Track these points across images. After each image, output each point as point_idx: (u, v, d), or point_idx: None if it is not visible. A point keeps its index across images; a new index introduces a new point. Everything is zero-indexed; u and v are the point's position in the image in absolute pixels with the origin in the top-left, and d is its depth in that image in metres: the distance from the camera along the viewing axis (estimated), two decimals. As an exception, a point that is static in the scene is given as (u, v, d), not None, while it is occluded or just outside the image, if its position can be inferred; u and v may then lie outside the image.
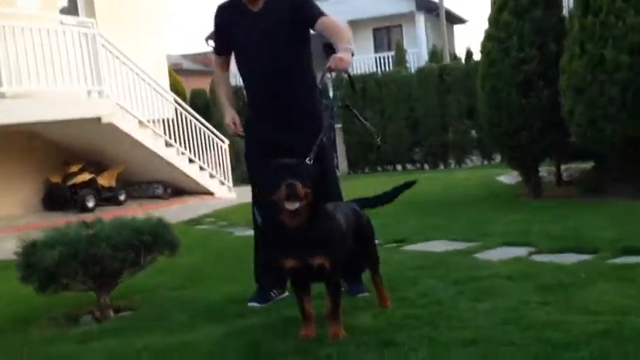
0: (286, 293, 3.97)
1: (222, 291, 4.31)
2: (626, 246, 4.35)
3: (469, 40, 29.21)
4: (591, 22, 7.11)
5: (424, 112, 17.32)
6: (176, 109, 11.66)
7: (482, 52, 8.63)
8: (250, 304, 3.82)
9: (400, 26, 28.07)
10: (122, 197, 11.17)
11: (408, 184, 3.44)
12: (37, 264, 3.74)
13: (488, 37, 8.45)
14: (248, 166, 4.05)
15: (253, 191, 4.05)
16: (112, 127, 9.99)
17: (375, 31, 28.75)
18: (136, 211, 10.61)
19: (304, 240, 2.88)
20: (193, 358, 2.90)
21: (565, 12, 8.50)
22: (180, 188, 12.25)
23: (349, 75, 3.81)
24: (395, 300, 3.48)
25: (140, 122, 10.53)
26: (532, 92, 8.05)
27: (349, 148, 18.35)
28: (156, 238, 4.11)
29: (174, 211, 10.41)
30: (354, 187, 12.70)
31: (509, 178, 11.12)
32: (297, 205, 2.76)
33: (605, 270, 3.85)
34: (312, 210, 2.87)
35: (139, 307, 4.14)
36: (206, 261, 5.64)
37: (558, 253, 4.54)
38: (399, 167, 18.10)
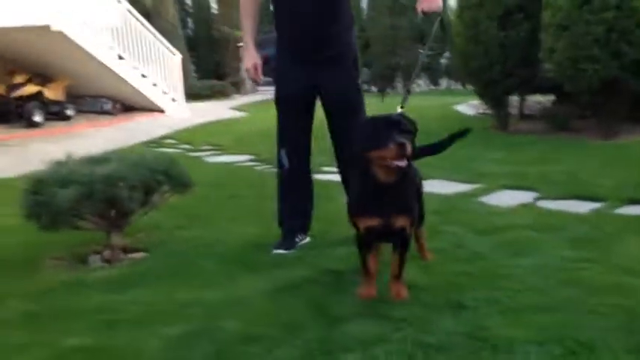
0: (308, 238, 3.87)
1: (237, 233, 4.14)
2: (631, 197, 4.46)
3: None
4: (580, -44, 6.99)
5: (375, 33, 17.01)
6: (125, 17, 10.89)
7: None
8: (276, 250, 3.69)
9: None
10: (70, 112, 10.54)
11: (463, 133, 3.29)
12: (49, 203, 3.44)
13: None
14: (278, 107, 3.82)
15: (280, 132, 3.84)
16: (61, 36, 9.25)
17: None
18: (86, 127, 10.06)
19: (390, 198, 2.75)
20: (253, 316, 2.75)
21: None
22: (129, 104, 11.66)
23: (441, 18, 3.54)
24: (432, 251, 3.44)
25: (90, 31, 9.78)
26: (511, 26, 7.99)
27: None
28: (169, 178, 3.86)
29: (128, 131, 9.95)
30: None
31: (467, 108, 11.21)
32: (405, 164, 2.62)
33: (624, 223, 3.92)
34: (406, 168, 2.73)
35: (151, 248, 3.92)
36: (196, 196, 5.38)
37: (563, 200, 4.62)
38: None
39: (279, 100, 3.81)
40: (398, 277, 2.88)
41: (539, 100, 10.25)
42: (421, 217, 3.31)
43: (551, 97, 9.78)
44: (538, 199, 4.70)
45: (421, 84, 17.57)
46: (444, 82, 17.06)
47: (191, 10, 21.73)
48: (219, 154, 8.04)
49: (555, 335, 2.40)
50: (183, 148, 8.68)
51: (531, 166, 5.70)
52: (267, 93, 18.96)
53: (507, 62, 8.03)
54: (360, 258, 2.95)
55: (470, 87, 16.52)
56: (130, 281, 3.33)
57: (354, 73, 3.72)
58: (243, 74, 18.76)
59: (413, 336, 2.45)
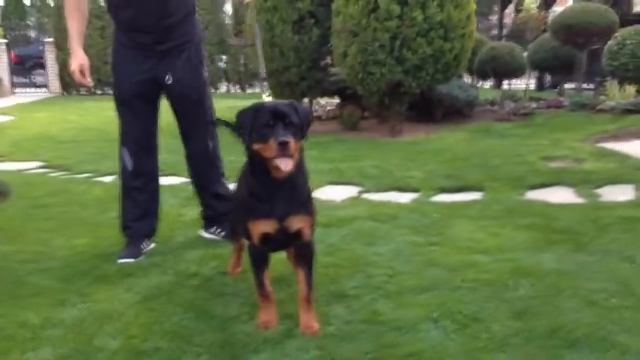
0: (153, 244, 3.62)
1: (62, 246, 3.72)
2: (441, 186, 4.92)
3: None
4: (368, -31, 7.52)
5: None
6: None
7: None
8: (122, 260, 3.38)
9: None
10: None
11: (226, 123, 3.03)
12: None
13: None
14: (118, 102, 3.49)
15: (122, 129, 3.53)
16: None
17: None
18: None
19: (283, 197, 2.42)
20: (133, 330, 2.48)
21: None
22: None
23: None
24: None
25: None
26: (304, 31, 8.31)
27: (63, 66, 16.59)
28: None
29: None
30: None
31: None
32: (290, 163, 2.31)
33: (447, 209, 4.31)
34: (298, 161, 2.44)
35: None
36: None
37: (384, 192, 4.94)
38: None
39: (119, 96, 3.49)
40: (308, 301, 2.45)
41: (325, 102, 10.85)
42: None
43: (336, 100, 10.36)
44: (362, 192, 4.96)
45: (229, 87, 17.40)
46: (222, 87, 17.09)
47: None
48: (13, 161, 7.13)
49: (444, 312, 2.56)
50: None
51: (344, 163, 5.99)
52: (28, 95, 17.30)
53: (302, 65, 8.34)
54: (254, 278, 2.52)
55: (250, 90, 16.97)
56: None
57: (196, 62, 3.52)
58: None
59: (313, 329, 2.43)
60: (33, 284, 3.08)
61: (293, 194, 2.44)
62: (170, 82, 3.45)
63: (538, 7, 13.26)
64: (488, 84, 14.72)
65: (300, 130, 2.38)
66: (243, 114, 2.45)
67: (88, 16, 3.47)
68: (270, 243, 2.48)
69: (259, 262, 2.51)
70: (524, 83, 11.31)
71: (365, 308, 2.63)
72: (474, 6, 7.94)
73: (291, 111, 2.36)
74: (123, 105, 3.49)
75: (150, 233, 3.60)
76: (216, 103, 3.77)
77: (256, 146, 2.35)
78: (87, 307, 2.75)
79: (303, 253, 2.50)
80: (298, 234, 2.45)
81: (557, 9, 12.32)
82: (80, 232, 3.99)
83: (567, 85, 11.28)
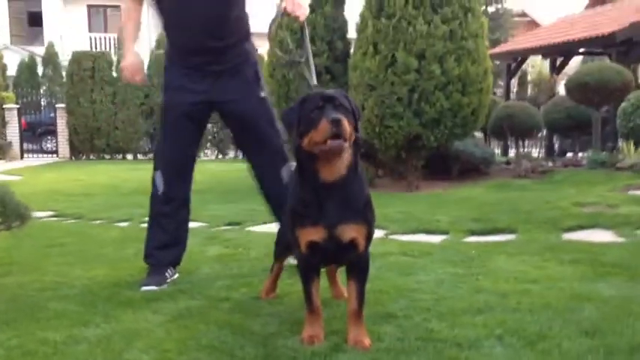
0: (177, 274, 3.40)
1: (80, 276, 3.51)
2: (470, 229, 4.73)
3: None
4: (385, 24, 7.59)
5: (160, 101, 16.62)
6: None
7: (272, 39, 8.58)
8: (145, 287, 3.16)
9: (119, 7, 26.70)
10: None
11: None
12: None
13: (280, 25, 8.45)
14: (164, 122, 3.37)
15: (159, 152, 3.39)
16: None
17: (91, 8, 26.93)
18: None
19: (335, 203, 2.19)
20: (166, 346, 2.25)
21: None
22: None
23: (302, 27, 3.08)
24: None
25: None
26: (320, 86, 8.31)
27: (73, 131, 16.69)
28: (4, 207, 3.16)
29: None
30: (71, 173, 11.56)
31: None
32: (343, 145, 2.08)
33: (482, 247, 4.11)
34: (353, 161, 2.22)
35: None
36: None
37: (412, 234, 4.74)
38: (129, 156, 17.05)
39: (166, 115, 3.35)
40: (358, 315, 2.25)
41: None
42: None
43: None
44: (389, 234, 4.75)
45: (207, 153, 17.39)
46: (231, 152, 17.12)
47: None
48: None
49: (506, 330, 2.33)
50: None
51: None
52: (38, 159, 17.31)
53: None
54: (303, 289, 2.31)
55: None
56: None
57: (253, 82, 3.32)
58: (9, 138, 16.97)
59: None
60: (52, 309, 2.85)
61: (346, 200, 2.22)
62: (226, 105, 3.31)
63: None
64: (497, 151, 14.71)
65: (353, 115, 2.20)
66: (287, 111, 2.31)
67: (140, 24, 3.46)
68: (320, 254, 2.26)
69: (309, 273, 2.31)
70: (534, 151, 11.31)
71: (417, 327, 2.41)
72: (490, 62, 7.97)
73: (341, 96, 2.21)
74: (168, 124, 3.34)
75: (175, 262, 3.39)
76: (227, 165, 3.64)
77: (305, 138, 2.14)
78: (111, 327, 2.53)
79: (356, 266, 2.30)
80: (352, 245, 2.23)
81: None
82: (98, 266, 3.79)
83: (580, 154, 11.22)
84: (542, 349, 2.15)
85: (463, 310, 2.61)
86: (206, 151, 17.29)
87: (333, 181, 2.19)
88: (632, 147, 8.40)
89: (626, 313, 2.51)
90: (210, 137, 17.10)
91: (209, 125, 16.80)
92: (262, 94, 3.36)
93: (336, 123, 2.05)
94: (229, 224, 5.36)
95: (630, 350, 2.11)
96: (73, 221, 6.08)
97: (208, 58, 3.22)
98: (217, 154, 17.30)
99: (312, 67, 2.96)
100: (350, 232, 2.21)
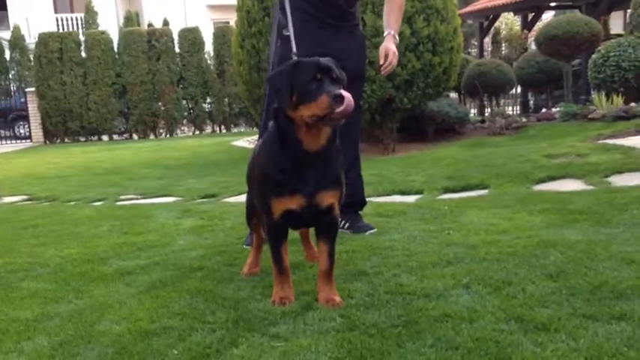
0: None
1: (54, 256, 3.46)
2: (445, 186, 4.78)
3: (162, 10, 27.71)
4: None
5: (133, 79, 16.42)
6: None
7: (239, 9, 8.47)
8: (247, 246, 3.19)
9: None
10: None
11: None
12: None
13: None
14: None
15: (266, 104, 3.36)
16: None
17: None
18: None
19: (316, 171, 2.19)
20: (138, 315, 2.25)
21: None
22: None
23: None
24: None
25: None
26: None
27: (45, 115, 16.46)
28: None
29: None
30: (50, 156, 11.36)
31: (244, 142, 11.31)
32: (348, 115, 2.04)
33: (455, 203, 4.15)
34: (333, 130, 2.20)
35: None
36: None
37: (387, 196, 4.78)
38: (104, 137, 16.88)
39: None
40: (329, 274, 2.28)
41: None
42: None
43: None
44: (368, 196, 4.76)
45: (185, 129, 17.28)
46: (208, 128, 17.03)
47: None
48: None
49: (473, 279, 2.37)
50: None
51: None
52: (10, 145, 17.07)
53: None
54: (272, 252, 2.32)
55: (235, 130, 16.92)
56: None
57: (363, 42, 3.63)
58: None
59: (333, 302, 2.23)
60: (25, 288, 2.84)
61: (325, 168, 2.22)
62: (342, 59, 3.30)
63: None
64: (472, 111, 14.76)
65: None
66: (276, 74, 2.25)
67: None
68: (293, 220, 2.28)
69: (278, 236, 2.31)
70: (510, 109, 11.35)
71: (387, 282, 2.44)
72: (459, 20, 7.95)
73: (335, 65, 2.15)
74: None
75: None
76: (203, 140, 3.61)
77: (302, 109, 2.08)
78: (84, 302, 2.53)
79: (327, 227, 2.31)
80: (328, 210, 2.25)
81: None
82: (72, 245, 3.77)
83: (554, 109, 11.29)
84: (507, 293, 2.19)
85: (433, 263, 2.65)
86: (183, 127, 17.18)
87: (316, 150, 2.18)
88: (603, 98, 8.48)
89: (591, 256, 2.56)
90: (185, 113, 16.99)
91: (184, 101, 16.77)
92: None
93: (338, 99, 2.02)
94: (205, 197, 5.37)
95: (592, 290, 2.16)
96: (47, 203, 6.03)
97: (339, 14, 3.38)
98: (194, 130, 17.19)
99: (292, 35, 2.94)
100: (328, 198, 2.24)
